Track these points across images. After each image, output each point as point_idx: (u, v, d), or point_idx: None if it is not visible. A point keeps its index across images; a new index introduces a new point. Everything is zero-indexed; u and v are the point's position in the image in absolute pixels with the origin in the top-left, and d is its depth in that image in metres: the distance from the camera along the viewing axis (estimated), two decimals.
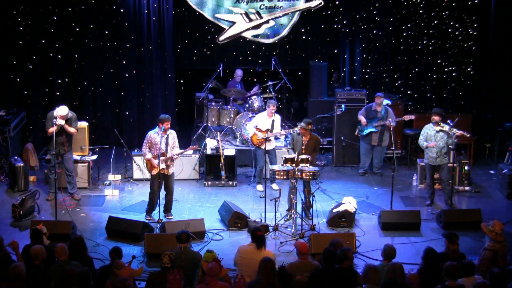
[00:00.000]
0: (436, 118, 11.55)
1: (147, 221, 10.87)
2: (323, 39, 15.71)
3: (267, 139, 11.84)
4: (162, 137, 10.83)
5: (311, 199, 10.77)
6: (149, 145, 10.99)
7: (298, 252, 8.01)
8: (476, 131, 14.41)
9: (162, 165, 10.85)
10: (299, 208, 10.79)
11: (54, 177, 11.17)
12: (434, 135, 11.56)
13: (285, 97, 15.06)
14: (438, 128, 11.49)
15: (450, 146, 11.56)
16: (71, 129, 11.67)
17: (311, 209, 10.88)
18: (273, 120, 12.41)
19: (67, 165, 11.87)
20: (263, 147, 11.94)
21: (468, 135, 11.71)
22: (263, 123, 12.43)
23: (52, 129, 11.29)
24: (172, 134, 11.03)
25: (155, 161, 10.90)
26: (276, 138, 12.91)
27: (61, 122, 11.45)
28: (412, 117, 13.38)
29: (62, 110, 11.50)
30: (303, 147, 11.08)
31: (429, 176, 11.90)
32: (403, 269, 7.23)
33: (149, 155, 10.96)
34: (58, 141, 11.50)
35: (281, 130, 12.77)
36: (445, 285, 7.13)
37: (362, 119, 13.34)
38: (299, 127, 11.18)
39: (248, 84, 15.57)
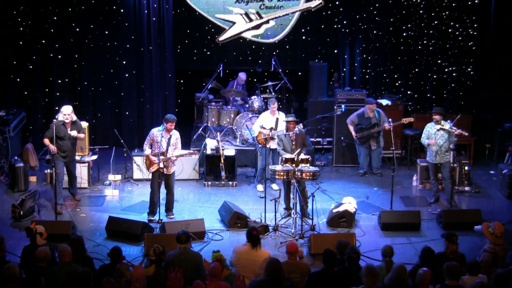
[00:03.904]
0: (436, 117, 11.63)
1: (147, 222, 10.85)
2: (323, 40, 15.72)
3: (267, 138, 11.82)
4: (163, 137, 10.83)
5: (309, 199, 10.77)
6: (151, 142, 10.99)
7: (286, 251, 8.02)
8: (476, 131, 14.42)
9: (161, 164, 10.84)
10: (298, 208, 10.79)
11: (55, 180, 11.10)
12: (434, 133, 11.61)
13: (285, 97, 15.05)
14: (438, 126, 11.55)
15: (451, 145, 11.59)
16: (81, 135, 11.70)
17: (307, 209, 10.89)
18: (277, 118, 12.40)
19: (73, 169, 11.82)
20: (268, 146, 11.95)
21: (466, 134, 11.77)
22: (267, 122, 12.43)
23: (47, 141, 11.22)
24: (176, 135, 11.01)
25: (153, 158, 10.89)
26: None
27: (80, 136, 11.56)
28: (411, 119, 13.29)
29: (67, 109, 11.38)
30: (293, 143, 11.09)
31: (432, 174, 11.95)
32: (406, 271, 7.22)
33: (148, 151, 10.96)
34: (68, 148, 11.44)
35: None
36: (445, 284, 7.13)
37: (352, 130, 13.39)
38: (286, 123, 11.19)
39: (248, 84, 15.54)
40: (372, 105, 13.22)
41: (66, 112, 11.35)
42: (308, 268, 7.88)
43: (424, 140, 11.86)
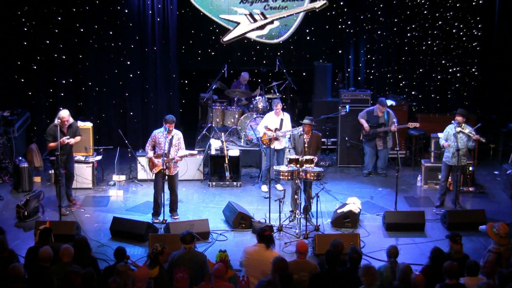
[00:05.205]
0: (459, 118, 11.52)
1: (151, 222, 10.86)
2: (328, 40, 15.70)
3: (271, 139, 11.83)
4: (166, 138, 10.84)
5: (311, 201, 10.77)
6: (153, 143, 11.00)
7: (296, 251, 8.02)
8: (480, 131, 14.37)
9: (164, 165, 10.85)
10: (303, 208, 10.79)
11: (59, 185, 11.10)
12: (453, 135, 11.53)
13: (289, 97, 15.06)
14: (459, 129, 11.46)
15: (469, 148, 11.59)
16: (78, 138, 11.60)
17: (310, 212, 10.88)
18: (281, 119, 12.39)
19: (71, 169, 11.80)
20: (272, 146, 11.97)
21: (484, 140, 11.66)
22: (272, 122, 12.41)
23: (52, 144, 11.12)
24: (178, 135, 11.01)
25: (156, 160, 10.90)
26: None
27: (77, 139, 11.46)
28: (417, 124, 13.20)
29: (65, 113, 11.27)
30: (305, 145, 11.07)
31: (443, 176, 11.87)
32: (412, 271, 7.22)
33: (150, 154, 10.97)
34: (66, 152, 11.41)
35: (292, 128, 12.71)
36: (445, 283, 7.14)
37: (365, 124, 13.34)
38: (302, 125, 11.16)
39: (252, 84, 15.54)
40: (382, 107, 13.20)
41: (65, 119, 11.23)
42: (316, 268, 7.87)
43: (441, 140, 11.81)
